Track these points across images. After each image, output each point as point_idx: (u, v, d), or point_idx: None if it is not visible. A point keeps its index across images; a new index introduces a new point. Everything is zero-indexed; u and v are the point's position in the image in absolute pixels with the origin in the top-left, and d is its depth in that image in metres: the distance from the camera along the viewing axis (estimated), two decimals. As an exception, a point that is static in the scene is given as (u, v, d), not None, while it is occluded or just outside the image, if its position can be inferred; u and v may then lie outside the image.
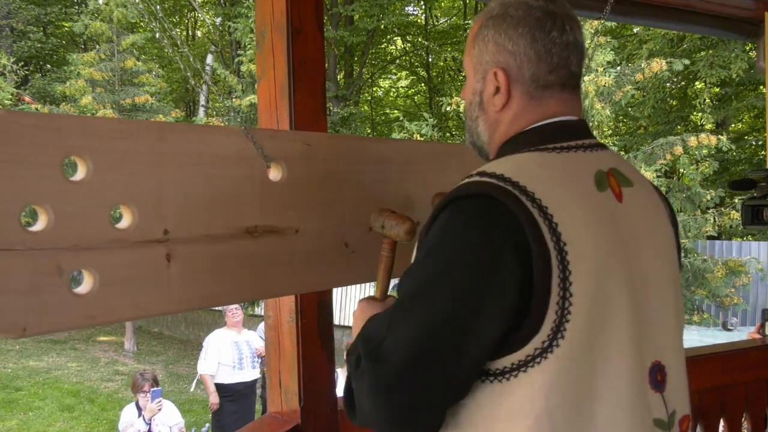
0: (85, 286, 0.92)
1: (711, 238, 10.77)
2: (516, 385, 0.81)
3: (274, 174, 1.17)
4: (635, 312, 0.86)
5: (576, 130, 0.94)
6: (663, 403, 0.89)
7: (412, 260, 0.91)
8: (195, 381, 6.31)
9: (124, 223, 0.96)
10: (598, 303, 0.82)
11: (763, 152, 12.25)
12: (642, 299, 0.88)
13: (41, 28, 18.05)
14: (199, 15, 19.00)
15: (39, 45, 17.33)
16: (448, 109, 8.38)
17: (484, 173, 0.86)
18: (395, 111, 19.50)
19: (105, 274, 0.92)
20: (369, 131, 17.47)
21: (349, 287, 10.72)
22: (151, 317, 1.17)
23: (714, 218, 9.32)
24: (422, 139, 7.84)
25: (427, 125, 8.09)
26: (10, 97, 12.89)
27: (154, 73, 14.28)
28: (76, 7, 18.13)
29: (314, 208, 1.22)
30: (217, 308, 10.61)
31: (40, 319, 0.86)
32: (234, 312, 6.22)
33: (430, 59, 18.46)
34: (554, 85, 0.94)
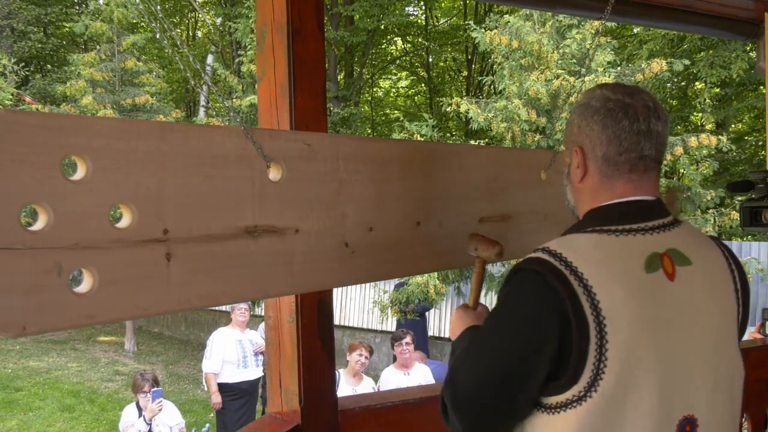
0: (85, 285, 0.92)
1: (711, 238, 10.71)
2: (559, 419, 1.02)
3: (274, 174, 1.17)
4: (667, 373, 1.03)
5: (640, 212, 1.10)
6: None
7: None
8: (203, 380, 6.30)
9: (124, 222, 0.96)
10: (629, 366, 0.99)
11: (763, 152, 12.23)
12: (677, 362, 1.04)
13: (42, 29, 18.04)
14: (200, 15, 19.00)
15: (39, 45, 17.31)
16: (448, 109, 8.37)
17: (547, 250, 1.05)
18: (395, 111, 19.50)
19: (105, 274, 0.92)
20: (369, 131, 17.46)
21: (349, 288, 10.72)
22: (150, 316, 1.17)
23: (714, 219, 9.31)
24: (422, 139, 7.84)
25: (427, 126, 8.08)
26: (11, 97, 12.88)
27: (154, 73, 14.28)
28: (77, 8, 18.15)
29: (314, 208, 1.22)
30: (218, 308, 10.62)
31: (40, 318, 0.86)
32: (242, 311, 6.24)
33: (430, 60, 18.45)
34: (623, 165, 1.11)
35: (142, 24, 14.59)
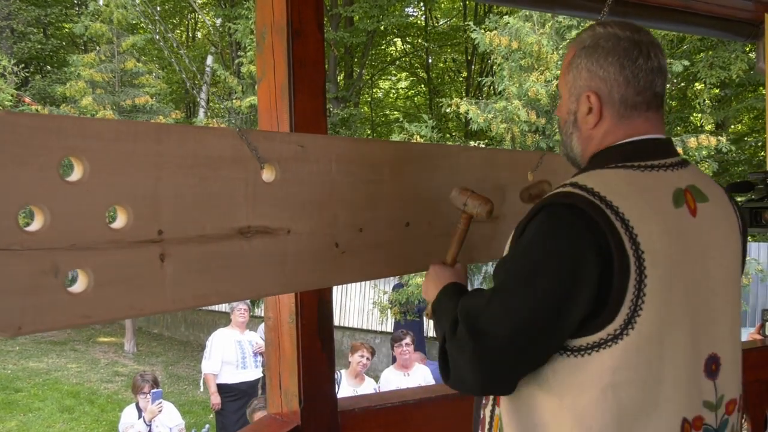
0: (81, 285, 0.92)
1: (711, 239, 10.70)
2: (589, 361, 0.97)
3: (268, 175, 1.17)
4: (696, 311, 1.02)
5: (660, 149, 1.08)
6: (714, 388, 1.05)
7: (505, 253, 1.09)
8: (202, 381, 6.30)
9: (120, 223, 0.97)
10: (666, 303, 0.98)
11: (762, 153, 12.23)
12: (704, 300, 1.04)
13: (41, 30, 18.05)
14: (200, 16, 19.00)
15: (39, 46, 17.32)
16: (447, 110, 8.37)
17: (576, 185, 1.01)
18: (395, 112, 19.49)
19: (100, 274, 0.93)
20: (369, 132, 17.46)
21: (350, 287, 10.72)
22: (145, 316, 1.17)
23: (714, 219, 9.26)
24: (422, 140, 7.85)
25: (426, 126, 8.09)
26: (11, 98, 12.88)
27: (154, 74, 14.28)
28: (77, 9, 18.14)
29: (306, 209, 1.23)
30: (217, 309, 10.62)
31: (36, 318, 0.86)
32: (242, 312, 6.25)
33: (430, 60, 18.46)
34: (641, 105, 1.08)
35: (142, 25, 14.59)
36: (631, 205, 0.98)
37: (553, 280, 0.96)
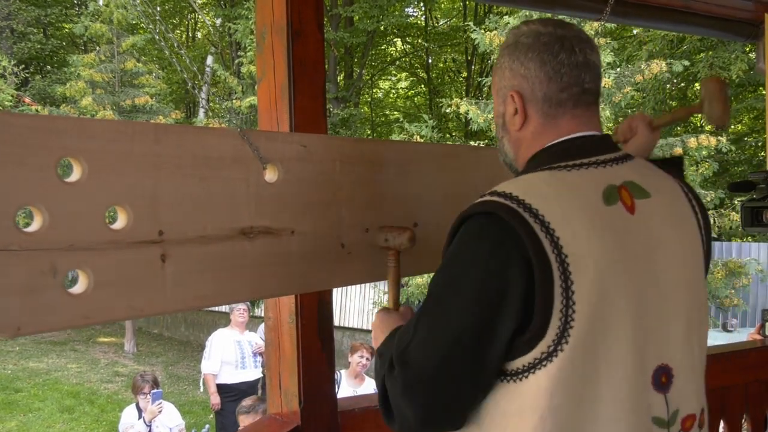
0: (80, 286, 0.92)
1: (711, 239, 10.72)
2: (527, 385, 0.89)
3: (270, 175, 1.17)
4: (640, 318, 0.92)
5: (590, 147, 1.00)
6: (665, 402, 0.95)
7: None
8: (201, 381, 6.31)
9: (119, 224, 0.96)
10: (601, 310, 0.88)
11: (762, 153, 12.24)
12: (651, 305, 0.94)
13: (41, 30, 18.07)
14: (200, 16, 19.00)
15: (39, 46, 17.35)
16: (447, 110, 8.38)
17: (495, 192, 0.93)
18: (395, 112, 19.50)
19: (100, 275, 0.92)
20: (369, 132, 17.47)
21: (349, 288, 10.72)
22: (145, 317, 1.17)
23: (714, 219, 9.32)
24: (422, 140, 7.85)
25: (426, 127, 8.10)
26: (10, 98, 12.90)
27: (154, 74, 14.28)
28: (77, 9, 18.15)
29: (310, 209, 1.22)
30: (217, 309, 10.61)
31: (35, 318, 0.86)
32: (241, 312, 6.26)
33: (429, 61, 18.47)
34: (566, 102, 1.00)
35: (142, 25, 14.60)
36: (553, 206, 0.90)
37: (474, 297, 0.89)
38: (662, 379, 0.95)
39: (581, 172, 0.96)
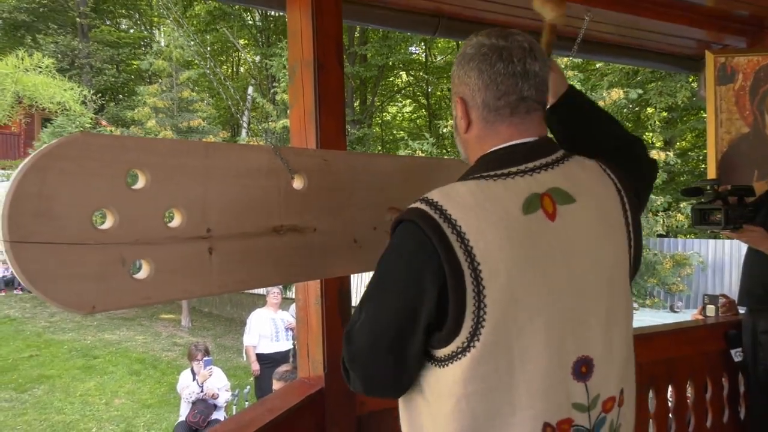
0: (143, 273, 0.92)
1: (660, 236, 10.68)
2: (449, 371, 0.85)
3: (297, 184, 1.16)
4: (561, 315, 0.85)
5: (522, 155, 0.90)
6: (585, 390, 0.89)
7: None
8: (243, 351, 6.33)
9: (175, 222, 0.96)
10: (513, 313, 0.82)
11: (704, 165, 12.13)
12: (571, 303, 0.87)
13: (114, 66, 18.26)
14: (242, 54, 19.08)
15: (113, 79, 17.56)
16: (444, 130, 8.36)
17: (425, 199, 0.87)
18: (401, 132, 19.47)
19: (159, 264, 0.93)
20: (380, 148, 17.45)
21: (364, 276, 10.70)
22: (197, 298, 1.17)
23: (663, 220, 9.24)
24: (423, 154, 7.83)
25: (427, 143, 8.07)
26: (90, 121, 13.02)
27: (205, 101, 14.34)
28: (143, 48, 18.31)
29: (329, 211, 1.22)
30: (255, 292, 10.63)
31: (106, 299, 0.86)
32: (275, 294, 6.28)
33: (429, 90, 18.44)
34: (503, 110, 0.91)
35: (196, 62, 14.67)
36: (470, 217, 0.82)
37: (398, 289, 0.85)
38: (582, 369, 0.88)
39: (506, 182, 0.87)
